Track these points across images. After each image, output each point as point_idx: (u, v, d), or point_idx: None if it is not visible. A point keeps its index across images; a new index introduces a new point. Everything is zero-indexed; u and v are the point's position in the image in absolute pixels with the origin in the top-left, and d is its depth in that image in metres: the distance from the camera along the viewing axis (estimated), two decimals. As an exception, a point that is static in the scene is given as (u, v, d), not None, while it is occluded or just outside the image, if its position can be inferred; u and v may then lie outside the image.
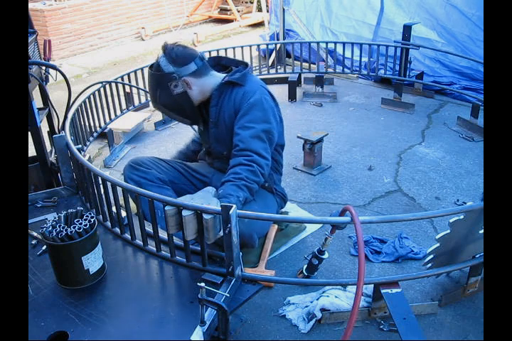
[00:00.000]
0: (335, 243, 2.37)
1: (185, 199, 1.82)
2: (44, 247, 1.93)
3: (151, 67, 2.21)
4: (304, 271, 2.09)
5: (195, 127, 2.42)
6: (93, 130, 3.27)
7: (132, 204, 2.12)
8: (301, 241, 2.41)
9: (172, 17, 7.37)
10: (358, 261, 2.24)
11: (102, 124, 3.38)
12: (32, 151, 2.37)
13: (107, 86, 3.40)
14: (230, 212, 1.60)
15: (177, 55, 2.14)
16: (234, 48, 4.12)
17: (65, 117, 2.58)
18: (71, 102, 2.56)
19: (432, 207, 2.71)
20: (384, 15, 4.62)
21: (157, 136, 3.77)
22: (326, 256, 2.01)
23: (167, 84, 2.15)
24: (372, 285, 1.81)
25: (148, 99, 3.90)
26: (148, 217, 1.91)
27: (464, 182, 2.96)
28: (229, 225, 1.62)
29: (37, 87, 2.60)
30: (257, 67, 4.46)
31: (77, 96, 2.67)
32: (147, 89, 2.43)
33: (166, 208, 1.73)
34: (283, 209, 2.56)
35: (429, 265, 1.90)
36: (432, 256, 1.88)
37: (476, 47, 4.04)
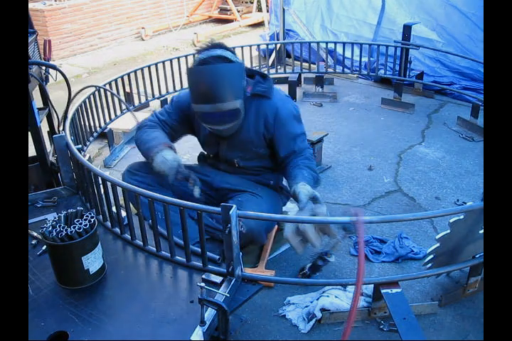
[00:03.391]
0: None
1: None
2: (44, 247, 1.93)
3: (202, 63, 1.99)
4: (307, 270, 2.10)
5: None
6: (93, 130, 3.27)
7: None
8: (301, 241, 2.41)
9: (172, 17, 7.36)
10: (357, 261, 2.25)
11: (102, 124, 3.38)
12: (32, 151, 2.37)
13: (107, 86, 3.40)
14: (230, 212, 1.60)
15: (231, 49, 2.09)
16: (234, 48, 4.10)
17: (65, 117, 2.58)
18: (70, 102, 2.56)
19: (432, 207, 2.71)
20: (385, 15, 4.62)
21: (157, 136, 3.77)
22: (332, 259, 2.03)
23: (244, 75, 2.06)
24: (372, 285, 1.81)
25: (149, 98, 3.91)
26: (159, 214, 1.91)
27: (464, 182, 2.96)
28: (229, 225, 1.62)
29: (37, 87, 2.60)
30: (257, 67, 4.46)
31: (73, 98, 2.63)
32: (210, 90, 1.98)
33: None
34: (283, 209, 2.56)
35: (429, 265, 1.90)
36: (431, 256, 1.88)
37: (476, 47, 4.04)
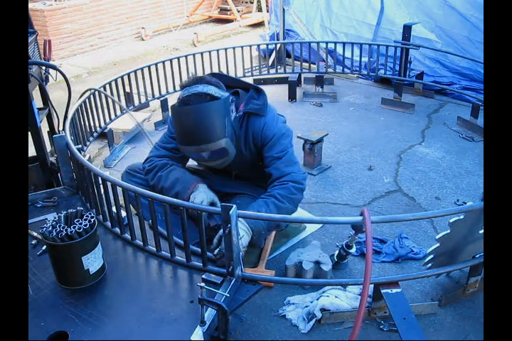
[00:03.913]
0: (334, 243, 2.37)
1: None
2: (44, 247, 1.93)
3: (185, 103, 1.93)
4: (335, 257, 2.15)
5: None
6: (93, 130, 3.27)
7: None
8: (301, 241, 2.41)
9: (172, 17, 7.36)
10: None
11: (102, 124, 3.38)
12: (32, 151, 2.37)
13: (107, 86, 3.40)
14: (230, 212, 1.60)
15: (215, 81, 2.01)
16: (234, 48, 4.12)
17: (65, 117, 2.59)
18: (70, 103, 2.56)
19: (432, 207, 2.71)
20: (384, 16, 4.62)
21: (157, 135, 3.75)
22: (353, 250, 2.09)
23: (228, 110, 1.99)
24: (372, 285, 1.81)
25: (149, 98, 3.91)
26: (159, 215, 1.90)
27: (464, 182, 2.96)
28: (229, 225, 1.62)
29: (37, 87, 2.60)
30: (257, 67, 4.47)
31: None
32: (196, 129, 1.94)
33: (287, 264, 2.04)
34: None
35: (429, 265, 1.90)
36: (431, 256, 1.88)
37: (475, 48, 4.04)
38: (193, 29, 7.42)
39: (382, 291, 1.74)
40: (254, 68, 4.35)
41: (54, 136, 2.25)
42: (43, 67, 2.65)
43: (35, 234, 2.01)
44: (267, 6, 7.11)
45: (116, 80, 3.50)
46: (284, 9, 4.93)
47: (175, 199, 1.80)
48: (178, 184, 2.14)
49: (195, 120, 1.92)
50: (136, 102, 3.82)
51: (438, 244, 1.84)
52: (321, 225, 2.50)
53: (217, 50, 4.10)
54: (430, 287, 2.10)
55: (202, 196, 2.09)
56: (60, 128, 2.59)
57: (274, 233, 2.36)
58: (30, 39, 2.49)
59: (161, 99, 3.88)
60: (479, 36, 3.98)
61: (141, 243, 1.97)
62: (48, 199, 2.31)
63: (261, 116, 2.12)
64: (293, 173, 2.11)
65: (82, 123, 3.03)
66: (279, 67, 4.56)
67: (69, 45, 6.15)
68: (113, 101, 3.42)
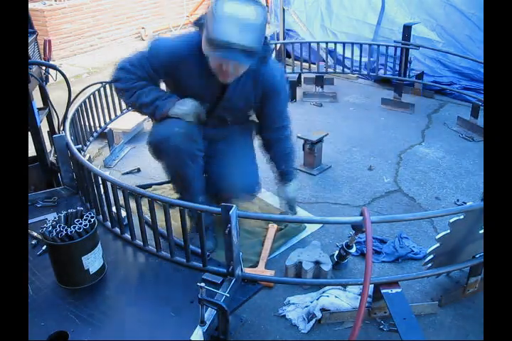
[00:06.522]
0: (334, 243, 2.37)
1: None
2: (44, 247, 1.93)
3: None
4: (335, 257, 2.15)
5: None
6: (93, 130, 3.27)
7: (132, 205, 2.12)
8: (301, 241, 2.41)
9: (172, 17, 7.36)
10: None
11: (102, 124, 3.38)
12: (32, 151, 2.36)
13: (107, 86, 3.39)
14: (230, 212, 1.60)
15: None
16: (234, 48, 4.11)
17: (65, 117, 2.58)
18: (71, 102, 2.56)
19: (432, 207, 2.71)
20: (385, 15, 4.63)
21: (157, 136, 3.77)
22: (353, 250, 2.09)
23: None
24: (373, 285, 1.81)
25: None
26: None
27: (464, 182, 2.96)
28: (229, 225, 1.62)
29: (37, 87, 2.60)
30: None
31: (76, 97, 2.65)
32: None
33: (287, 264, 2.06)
34: (283, 209, 2.56)
35: (429, 265, 1.90)
36: (431, 256, 1.88)
37: (476, 47, 4.04)
38: (193, 29, 7.41)
39: (382, 291, 1.74)
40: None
41: (54, 136, 2.25)
42: (43, 67, 2.65)
43: (35, 234, 2.02)
44: (267, 6, 7.10)
45: (116, 80, 3.49)
46: (284, 9, 4.93)
47: (174, 200, 1.80)
48: (159, 100, 2.04)
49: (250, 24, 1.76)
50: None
51: (438, 244, 1.84)
52: (321, 225, 2.50)
53: (217, 50, 4.09)
54: (430, 287, 2.10)
55: (190, 103, 2.04)
56: (60, 128, 2.59)
57: (274, 233, 2.37)
58: (30, 39, 2.49)
59: (161, 99, 3.87)
60: (480, 35, 3.98)
61: (141, 243, 1.97)
62: (48, 199, 2.31)
63: (266, 63, 2.02)
64: (288, 126, 2.31)
65: (82, 123, 3.03)
66: (279, 67, 4.56)
67: (69, 45, 6.15)
68: (113, 100, 3.41)
